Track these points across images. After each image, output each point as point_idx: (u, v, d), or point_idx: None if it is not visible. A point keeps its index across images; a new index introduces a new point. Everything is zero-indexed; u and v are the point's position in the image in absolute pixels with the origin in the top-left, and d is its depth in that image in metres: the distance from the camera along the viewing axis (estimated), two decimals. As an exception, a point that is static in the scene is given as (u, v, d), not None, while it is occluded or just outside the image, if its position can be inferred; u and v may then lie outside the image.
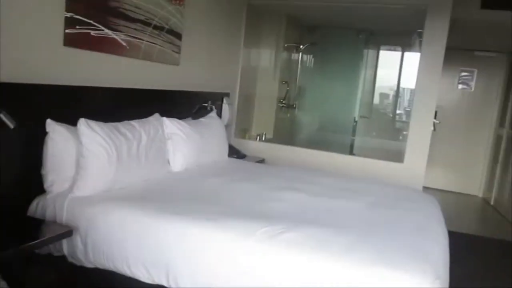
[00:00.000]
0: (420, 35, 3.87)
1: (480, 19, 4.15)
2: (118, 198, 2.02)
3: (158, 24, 2.91)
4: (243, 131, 4.67)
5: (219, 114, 3.98)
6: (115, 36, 2.52)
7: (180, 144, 2.70)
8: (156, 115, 2.66)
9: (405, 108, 5.96)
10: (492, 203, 5.62)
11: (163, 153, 2.57)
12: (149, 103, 2.85)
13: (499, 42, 5.41)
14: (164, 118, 2.70)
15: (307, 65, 5.62)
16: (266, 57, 4.94)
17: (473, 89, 6.04)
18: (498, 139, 5.76)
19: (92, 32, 2.34)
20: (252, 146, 4.41)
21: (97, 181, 2.04)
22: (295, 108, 5.32)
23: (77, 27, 2.23)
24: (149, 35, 2.83)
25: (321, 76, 5.68)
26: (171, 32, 3.08)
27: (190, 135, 2.77)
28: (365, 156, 4.89)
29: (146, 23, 2.79)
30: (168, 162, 2.67)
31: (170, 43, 3.09)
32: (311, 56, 5.64)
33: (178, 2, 3.10)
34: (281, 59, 5.01)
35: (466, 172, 6.14)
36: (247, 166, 3.14)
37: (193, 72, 3.50)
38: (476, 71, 5.98)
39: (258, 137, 4.62)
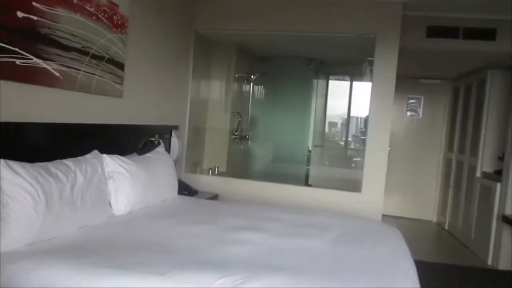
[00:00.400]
0: (371, 63, 3.86)
1: (425, 47, 4.24)
2: (47, 251, 1.71)
3: (97, 53, 2.66)
4: (195, 165, 4.43)
5: (168, 148, 3.73)
6: (46, 66, 2.24)
7: (123, 183, 2.42)
8: (95, 152, 2.38)
9: (358, 136, 5.98)
10: (446, 227, 5.66)
11: (103, 195, 2.28)
12: (88, 139, 2.57)
13: (443, 70, 5.60)
14: (105, 155, 2.42)
15: (259, 95, 5.51)
16: (216, 88, 4.78)
17: (421, 116, 6.18)
18: (448, 163, 5.87)
19: (18, 61, 2.06)
20: (204, 181, 4.16)
21: (21, 233, 1.73)
22: (248, 139, 5.16)
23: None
24: (86, 64, 2.57)
25: (273, 106, 5.59)
26: (112, 61, 2.84)
27: (135, 173, 2.51)
28: (321, 185, 4.80)
29: (83, 52, 2.53)
30: (110, 205, 2.38)
31: (111, 73, 2.84)
32: (263, 86, 5.55)
33: (119, 30, 2.88)
34: (232, 90, 4.87)
35: (420, 198, 6.19)
36: (199, 204, 2.89)
37: (138, 105, 3.25)
38: (422, 98, 6.14)
39: (210, 171, 4.39)
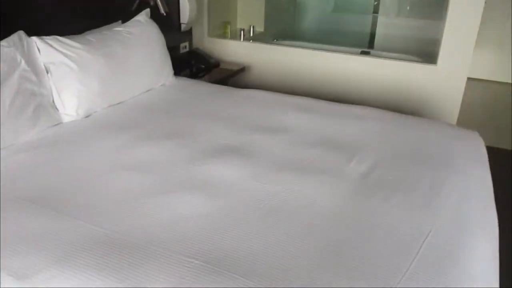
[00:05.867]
0: None
1: None
2: None
3: None
4: (224, 26, 3.53)
5: (177, 10, 2.87)
6: None
7: (68, 78, 1.70)
8: (18, 34, 1.62)
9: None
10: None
11: (34, 99, 1.59)
12: (18, 12, 1.80)
13: None
14: (34, 38, 1.66)
15: None
16: None
17: None
18: None
19: None
20: (233, 48, 3.32)
21: None
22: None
23: None
24: None
25: None
26: None
27: (85, 60, 1.75)
28: (388, 49, 3.72)
29: None
30: (56, 108, 1.72)
31: None
32: None
33: None
34: None
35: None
36: (196, 96, 2.11)
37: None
38: None
39: (242, 33, 3.48)
